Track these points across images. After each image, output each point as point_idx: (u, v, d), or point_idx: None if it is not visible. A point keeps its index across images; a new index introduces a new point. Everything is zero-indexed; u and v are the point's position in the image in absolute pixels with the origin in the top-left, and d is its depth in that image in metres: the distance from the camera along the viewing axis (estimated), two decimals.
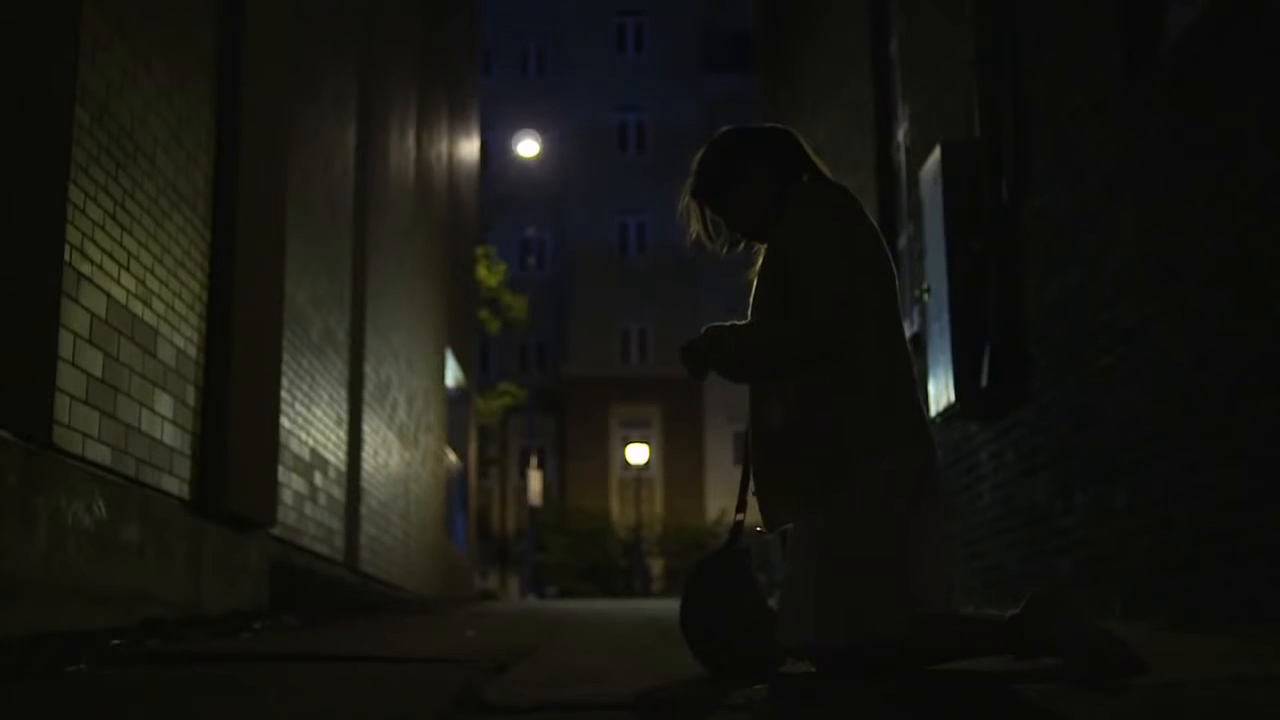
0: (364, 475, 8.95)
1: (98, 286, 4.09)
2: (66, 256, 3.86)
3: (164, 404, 4.71)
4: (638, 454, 31.99)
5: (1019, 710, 2.23)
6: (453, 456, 15.95)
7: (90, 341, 4.02)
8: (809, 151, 2.94)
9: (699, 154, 2.99)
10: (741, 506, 2.90)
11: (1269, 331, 3.98)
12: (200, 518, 5.09)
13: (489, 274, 23.96)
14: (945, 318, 6.53)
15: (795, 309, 2.72)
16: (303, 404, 7.12)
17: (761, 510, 2.84)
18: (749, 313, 2.88)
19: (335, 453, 8.08)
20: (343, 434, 8.37)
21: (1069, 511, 5.63)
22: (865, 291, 2.74)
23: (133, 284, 4.40)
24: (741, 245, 3.00)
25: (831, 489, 2.66)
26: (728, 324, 2.84)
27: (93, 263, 4.06)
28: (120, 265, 4.29)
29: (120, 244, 4.30)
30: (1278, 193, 3.96)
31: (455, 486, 16.23)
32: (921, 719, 2.19)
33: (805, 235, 2.74)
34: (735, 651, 2.77)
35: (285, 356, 6.54)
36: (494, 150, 31.34)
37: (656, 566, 30.48)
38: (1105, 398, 5.25)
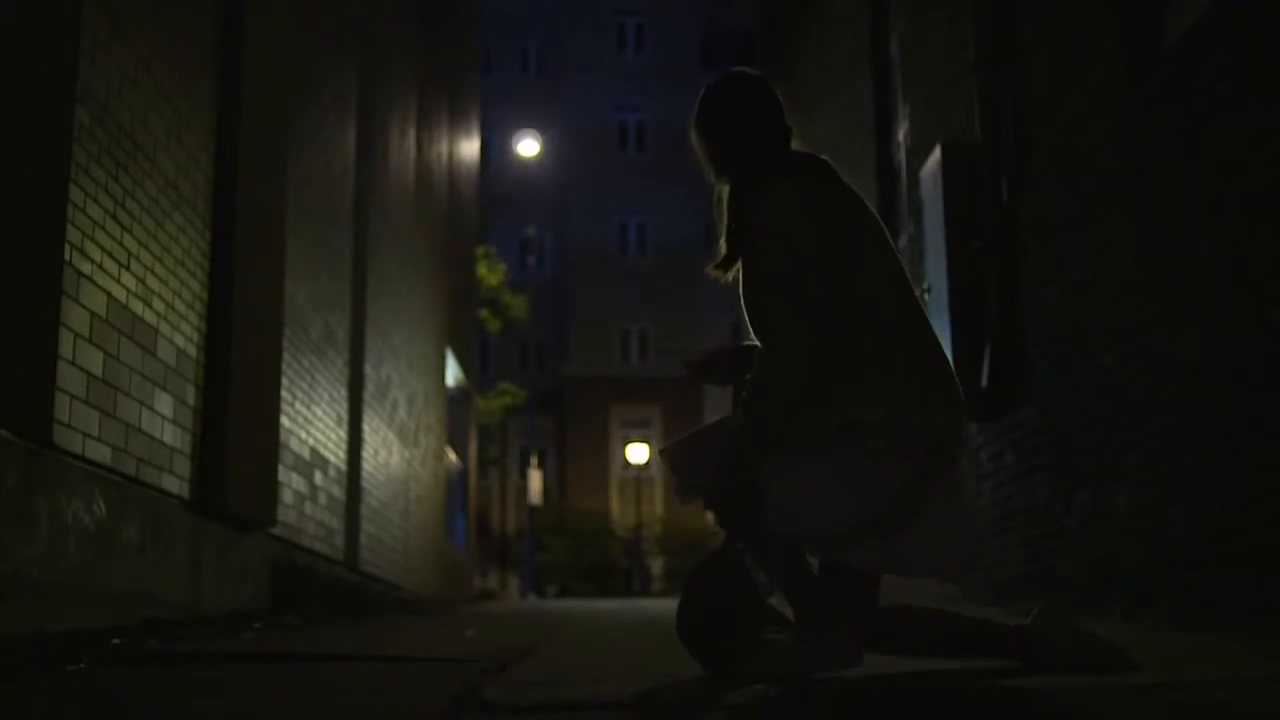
0: (364, 474, 8.95)
1: (98, 286, 4.09)
2: (67, 256, 3.86)
3: (164, 403, 4.71)
4: (638, 454, 31.99)
5: (1019, 710, 2.23)
6: (453, 456, 15.95)
7: (90, 341, 4.02)
8: (779, 112, 2.89)
9: (703, 90, 2.97)
10: None
11: (1268, 332, 3.98)
12: (200, 517, 5.09)
13: (489, 273, 23.96)
14: (945, 318, 6.53)
15: (772, 322, 2.69)
16: (303, 403, 7.13)
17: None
18: (743, 305, 2.85)
19: (335, 452, 8.08)
20: (343, 433, 8.37)
21: (1069, 511, 5.63)
22: (853, 274, 2.70)
23: (133, 283, 4.40)
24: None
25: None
26: (731, 432, 2.76)
27: (93, 262, 4.06)
28: (120, 264, 4.29)
29: (120, 243, 4.30)
30: (1277, 193, 3.96)
31: (455, 486, 16.23)
32: (921, 719, 2.19)
33: (777, 242, 2.69)
34: (735, 651, 2.76)
35: (285, 356, 6.54)
36: (494, 150, 31.35)
37: (656, 566, 30.48)
38: (1105, 398, 5.25)
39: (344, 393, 8.45)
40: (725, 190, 2.88)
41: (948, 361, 2.79)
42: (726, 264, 2.85)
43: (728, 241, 2.84)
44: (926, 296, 6.99)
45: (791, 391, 2.65)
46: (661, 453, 2.80)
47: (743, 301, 2.83)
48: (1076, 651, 2.60)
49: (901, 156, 8.90)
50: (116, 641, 3.61)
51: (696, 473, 2.73)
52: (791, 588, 2.69)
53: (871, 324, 2.69)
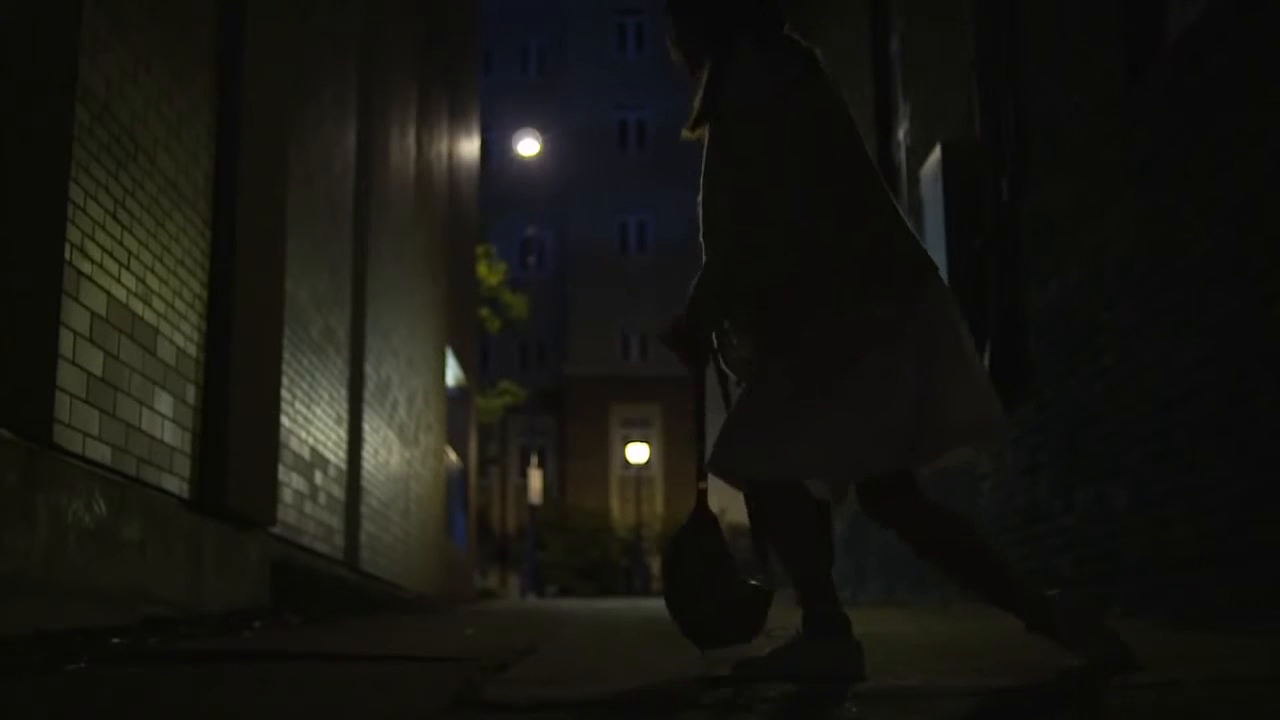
0: (364, 474, 8.95)
1: (98, 285, 4.09)
2: (67, 255, 3.86)
3: (164, 403, 4.71)
4: (638, 453, 32.00)
5: (1018, 711, 2.24)
6: (453, 455, 15.95)
7: (90, 340, 4.02)
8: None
9: None
10: (702, 475, 2.88)
11: (1268, 331, 3.98)
12: (200, 516, 5.09)
13: (489, 273, 23.97)
14: None
15: (742, 190, 2.67)
16: (303, 403, 7.13)
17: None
18: (701, 182, 2.82)
19: (335, 451, 8.08)
20: (343, 433, 8.37)
21: (1069, 511, 5.63)
22: (828, 161, 2.69)
23: (133, 282, 4.40)
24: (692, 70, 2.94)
25: (793, 335, 2.66)
26: (688, 304, 2.78)
27: (93, 261, 4.06)
28: (120, 264, 4.29)
29: (120, 243, 4.30)
30: (1277, 192, 3.96)
31: (455, 485, 16.23)
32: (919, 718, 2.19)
33: (749, 105, 2.68)
34: (716, 622, 2.77)
35: (285, 355, 6.54)
36: (494, 149, 31.38)
37: (656, 565, 30.46)
38: (1105, 398, 5.25)
39: (344, 392, 8.45)
40: (704, 75, 2.85)
41: (920, 240, 2.79)
42: (697, 123, 2.82)
43: (700, 105, 2.81)
44: None
45: (762, 242, 2.64)
46: (708, 467, 2.80)
47: (701, 196, 2.80)
48: (1081, 634, 2.61)
49: (902, 155, 8.90)
50: (116, 640, 3.61)
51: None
52: (801, 579, 2.68)
53: (851, 215, 2.68)
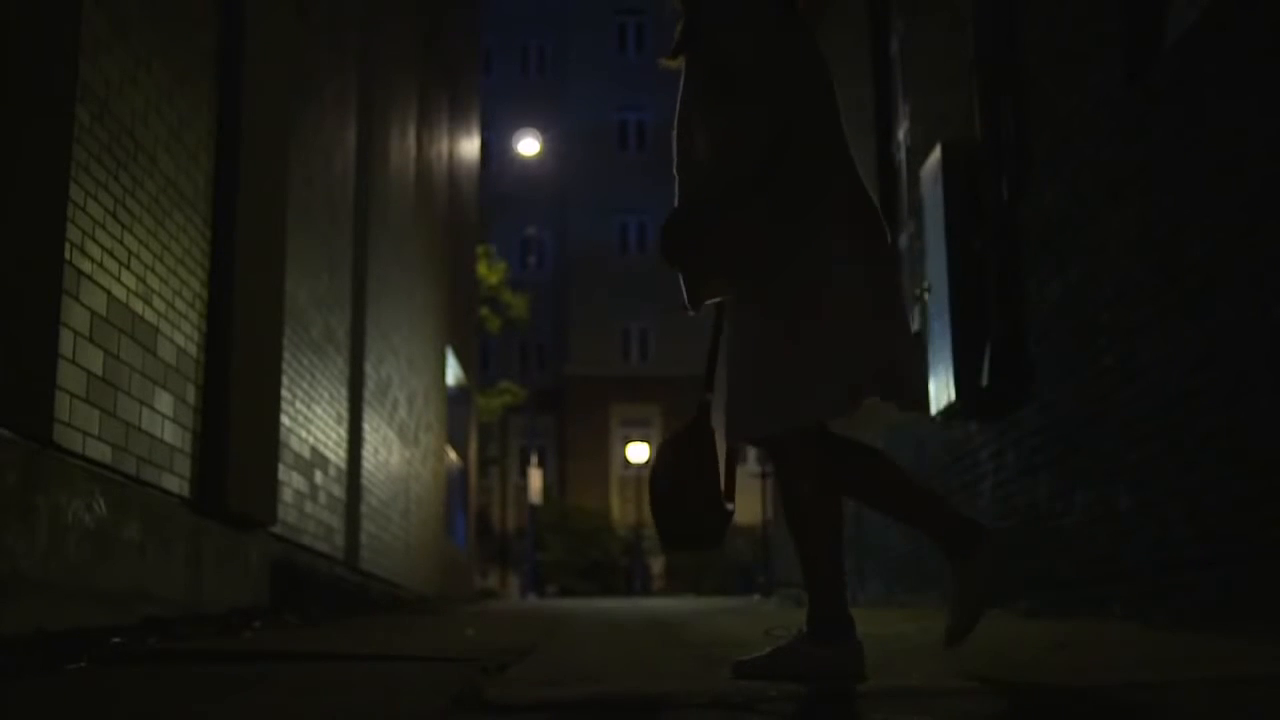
0: (364, 474, 8.95)
1: (98, 284, 4.09)
2: (67, 254, 3.86)
3: (164, 402, 4.72)
4: (638, 453, 31.99)
5: (1016, 712, 2.24)
6: (453, 455, 15.95)
7: (91, 340, 4.02)
8: None
9: None
10: (710, 386, 2.90)
11: (1268, 332, 3.98)
12: (201, 516, 5.09)
13: (489, 272, 23.98)
14: (945, 317, 6.53)
15: (741, 107, 2.68)
16: (303, 402, 7.13)
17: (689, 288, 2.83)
18: (675, 117, 2.86)
19: (335, 451, 8.08)
20: (343, 432, 8.37)
21: (1069, 511, 5.63)
22: (798, 99, 2.72)
23: (133, 282, 4.41)
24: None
25: (770, 273, 2.65)
26: (678, 203, 2.80)
27: (93, 261, 4.06)
28: (121, 263, 4.29)
29: (121, 242, 4.30)
30: (1277, 192, 3.96)
31: (455, 485, 16.23)
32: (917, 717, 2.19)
33: (736, 35, 2.72)
34: (692, 523, 2.78)
35: (286, 355, 6.54)
36: (494, 149, 31.37)
37: (657, 565, 30.49)
38: (1105, 398, 5.25)
39: (344, 392, 8.45)
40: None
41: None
42: (677, 50, 2.86)
43: (681, 30, 2.86)
44: (926, 296, 7.00)
45: (761, 147, 2.65)
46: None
47: (675, 131, 2.83)
48: (979, 583, 2.64)
49: (901, 156, 8.90)
50: (117, 640, 3.61)
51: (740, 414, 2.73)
52: (816, 571, 2.67)
53: (817, 164, 2.71)
